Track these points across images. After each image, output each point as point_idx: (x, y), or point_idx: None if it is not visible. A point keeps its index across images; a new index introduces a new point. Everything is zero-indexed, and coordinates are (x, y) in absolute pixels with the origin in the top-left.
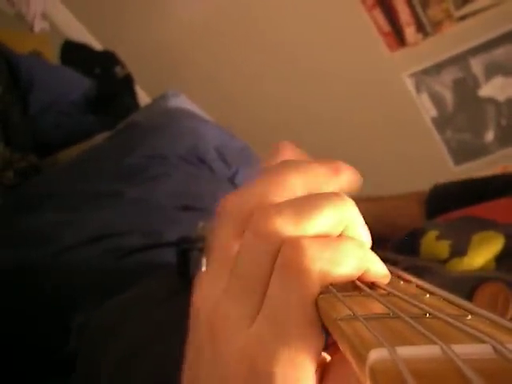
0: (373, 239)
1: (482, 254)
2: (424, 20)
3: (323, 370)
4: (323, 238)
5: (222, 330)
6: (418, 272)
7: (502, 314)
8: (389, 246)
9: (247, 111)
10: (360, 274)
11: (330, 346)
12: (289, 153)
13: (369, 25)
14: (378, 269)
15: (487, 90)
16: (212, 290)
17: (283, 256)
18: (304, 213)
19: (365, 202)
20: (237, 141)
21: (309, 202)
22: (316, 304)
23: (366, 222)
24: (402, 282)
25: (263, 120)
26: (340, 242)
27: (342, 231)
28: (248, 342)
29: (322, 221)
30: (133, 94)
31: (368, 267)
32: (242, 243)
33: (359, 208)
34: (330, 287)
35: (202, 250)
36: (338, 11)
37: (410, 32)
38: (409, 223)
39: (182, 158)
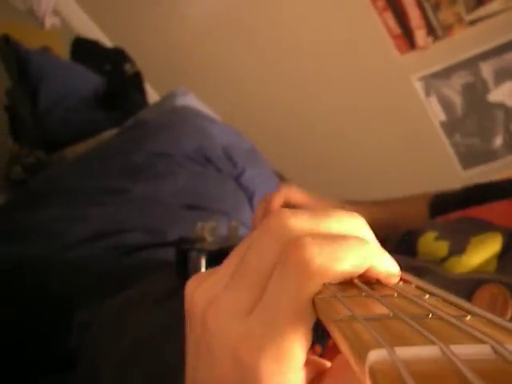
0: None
1: (480, 254)
2: (435, 23)
3: (322, 374)
4: (326, 235)
5: (214, 323)
6: (417, 272)
7: (501, 316)
8: (387, 246)
9: (255, 111)
10: (361, 271)
11: (329, 348)
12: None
13: (379, 27)
14: (384, 266)
15: (497, 94)
16: (213, 286)
17: (285, 252)
18: (317, 217)
19: (370, 206)
20: (244, 140)
21: (323, 214)
22: (314, 304)
23: (370, 226)
24: (401, 283)
25: (271, 121)
26: (341, 238)
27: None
28: (238, 335)
29: (332, 225)
30: (142, 92)
31: (372, 264)
32: (251, 238)
33: (362, 212)
34: (330, 287)
35: (200, 251)
36: (348, 13)
37: (420, 35)
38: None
39: (188, 156)
